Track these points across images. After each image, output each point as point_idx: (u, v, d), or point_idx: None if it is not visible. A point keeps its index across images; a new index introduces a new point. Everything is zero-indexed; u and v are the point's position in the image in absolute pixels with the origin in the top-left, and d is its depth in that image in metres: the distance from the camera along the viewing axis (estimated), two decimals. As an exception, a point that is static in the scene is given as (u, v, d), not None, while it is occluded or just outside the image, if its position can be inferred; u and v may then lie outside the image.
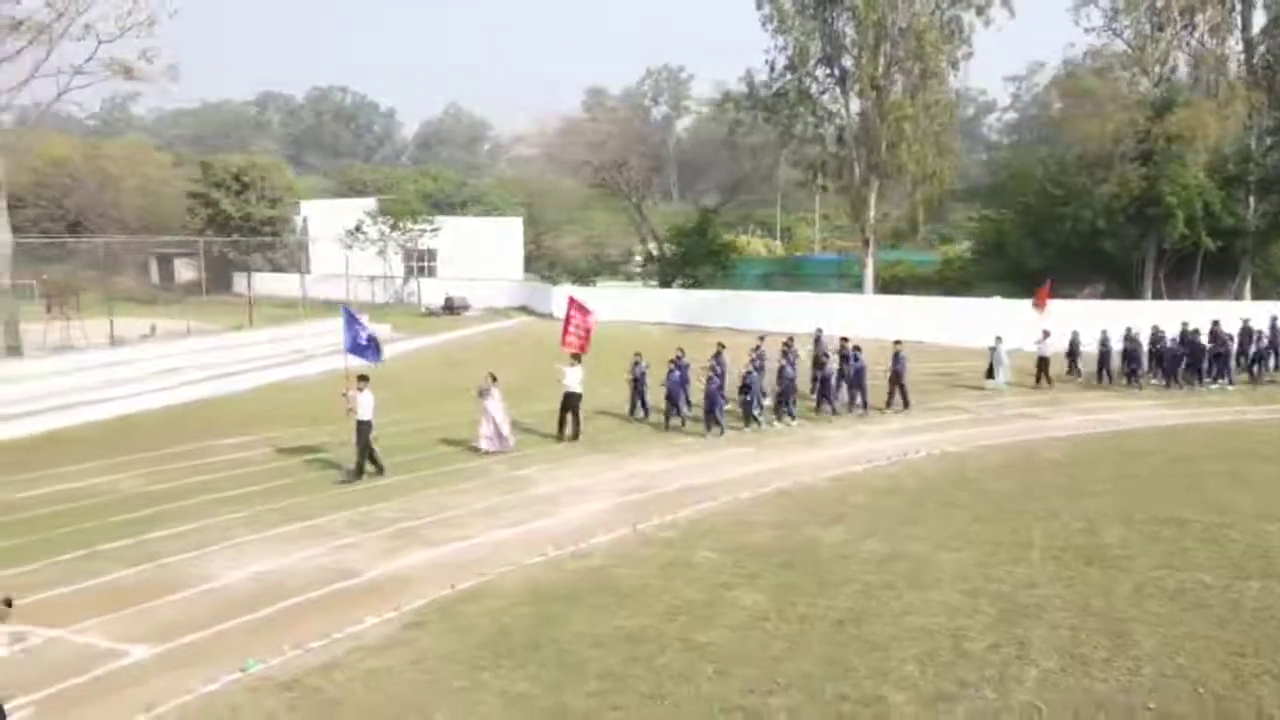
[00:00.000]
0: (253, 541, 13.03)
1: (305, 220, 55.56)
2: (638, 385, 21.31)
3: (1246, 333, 26.52)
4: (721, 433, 19.74)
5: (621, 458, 17.98)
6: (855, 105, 35.69)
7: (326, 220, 52.90)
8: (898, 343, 22.96)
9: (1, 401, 20.87)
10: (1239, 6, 36.09)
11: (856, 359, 22.19)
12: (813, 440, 19.69)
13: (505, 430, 18.23)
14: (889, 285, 42.48)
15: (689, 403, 20.93)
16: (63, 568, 11.99)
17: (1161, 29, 35.65)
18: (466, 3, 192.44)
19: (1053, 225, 37.68)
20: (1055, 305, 28.43)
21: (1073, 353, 26.85)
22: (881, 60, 33.43)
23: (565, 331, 20.65)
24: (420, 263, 53.18)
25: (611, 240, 68.09)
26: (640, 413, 21.27)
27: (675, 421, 20.43)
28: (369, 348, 17.27)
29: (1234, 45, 36.36)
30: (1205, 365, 25.54)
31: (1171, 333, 26.05)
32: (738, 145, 40.17)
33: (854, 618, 10.25)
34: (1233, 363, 25.88)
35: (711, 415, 19.94)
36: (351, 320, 17.44)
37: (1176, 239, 34.45)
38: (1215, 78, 35.30)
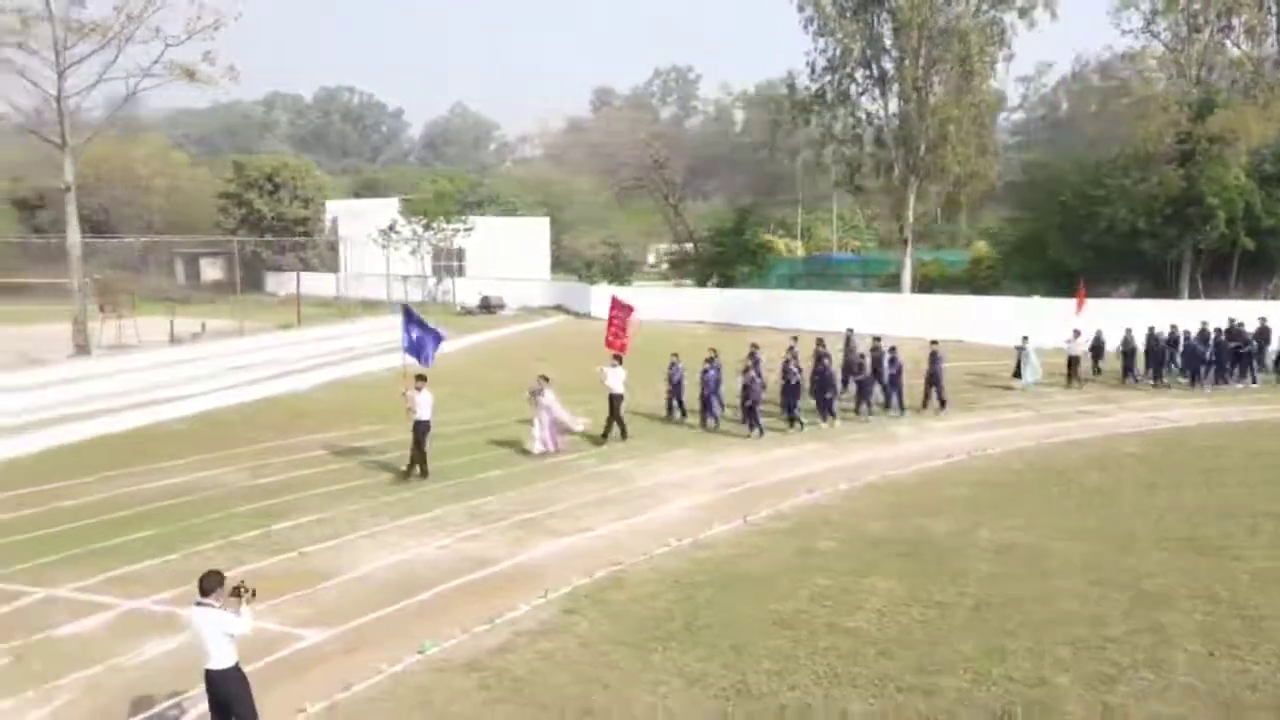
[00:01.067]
0: (380, 532, 13.42)
1: (335, 220, 55.97)
2: (674, 387, 21.15)
3: (1263, 332, 26.68)
4: (761, 434, 19.54)
5: (705, 453, 18.35)
6: (894, 106, 36.09)
7: (352, 220, 53.33)
8: (934, 343, 22.99)
9: (88, 398, 21.31)
10: (1275, 9, 36.44)
11: (893, 359, 22.06)
12: (886, 437, 20.06)
13: (557, 431, 18.19)
14: (919, 285, 42.82)
15: (722, 404, 20.81)
16: (205, 558, 12.30)
17: (1198, 31, 36.00)
18: (472, 3, 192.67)
19: (1088, 225, 38.08)
20: (1091, 304, 28.80)
21: (1096, 352, 26.88)
22: (922, 62, 33.79)
23: (609, 331, 20.57)
24: (448, 262, 53.53)
25: (626, 240, 68.47)
26: (677, 414, 21.12)
27: (710, 423, 20.31)
28: (424, 347, 17.04)
29: (1271, 47, 36.73)
30: (1230, 365, 25.71)
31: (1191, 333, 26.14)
32: (777, 146, 40.58)
33: (989, 604, 10.62)
34: (1255, 361, 26.10)
35: (753, 415, 19.69)
36: (409, 320, 17.14)
37: (1216, 239, 34.83)
38: (1253, 79, 35.65)
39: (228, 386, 24.14)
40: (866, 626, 10.04)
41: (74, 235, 26.29)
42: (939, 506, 14.59)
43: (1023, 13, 32.87)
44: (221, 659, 7.16)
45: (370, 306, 43.03)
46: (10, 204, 62.57)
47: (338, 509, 14.50)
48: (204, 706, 8.44)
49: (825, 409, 20.83)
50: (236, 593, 7.23)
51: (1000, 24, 33.65)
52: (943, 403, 22.34)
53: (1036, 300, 34.69)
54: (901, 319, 32.74)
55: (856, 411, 21.72)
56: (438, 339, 17.31)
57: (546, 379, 18.34)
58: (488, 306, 45.31)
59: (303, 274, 52.49)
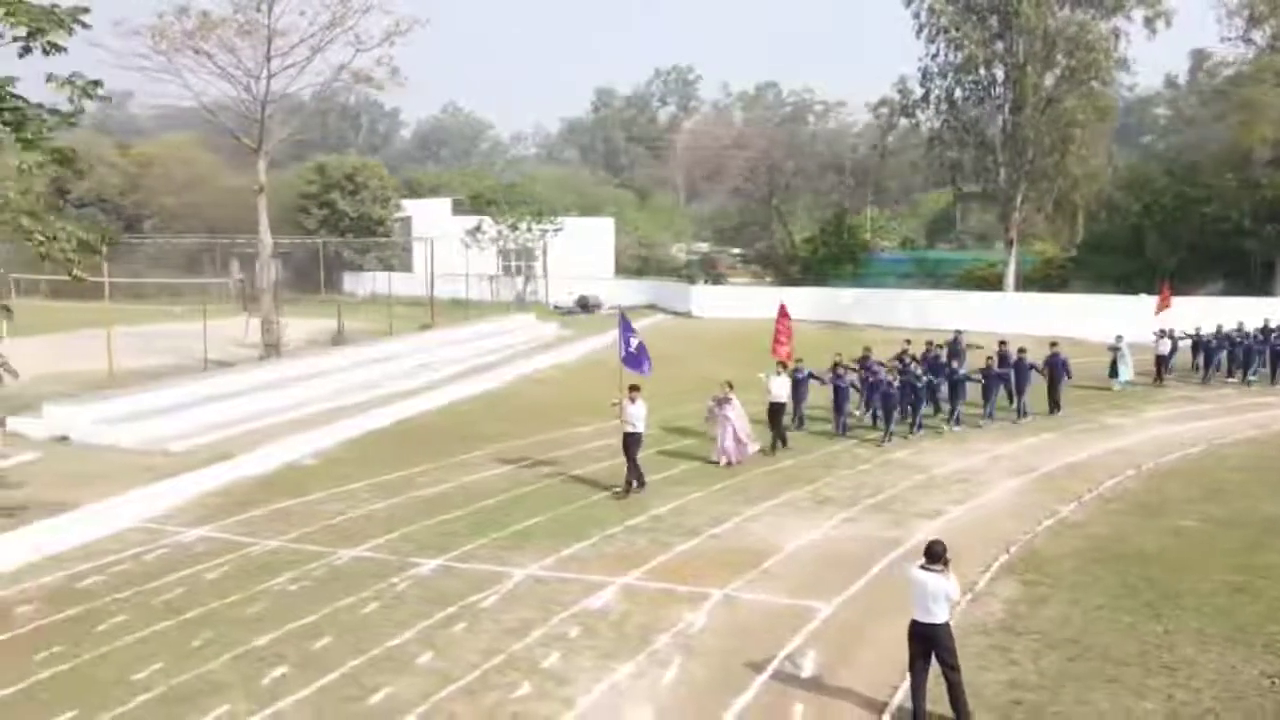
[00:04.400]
0: (755, 515, 14.31)
1: (410, 219, 56.47)
2: (797, 391, 20.01)
3: None
4: (891, 439, 19.03)
5: (959, 443, 19.27)
6: (1005, 110, 37.31)
7: (421, 220, 54.16)
8: (1054, 344, 22.61)
9: (335, 393, 22.00)
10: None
11: (1020, 361, 21.58)
12: (1105, 428, 20.93)
13: (745, 436, 17.66)
14: (981, 284, 44.00)
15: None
16: (625, 542, 13.15)
17: (1290, 38, 37.62)
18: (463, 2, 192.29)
19: (1180, 225, 39.64)
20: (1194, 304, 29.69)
21: (1170, 350, 26.79)
22: (1041, 67, 35.06)
23: (776, 340, 20.00)
24: (519, 262, 54.15)
25: (650, 239, 69.16)
26: (796, 421, 20.04)
27: (841, 429, 19.83)
28: (641, 358, 16.21)
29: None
30: None
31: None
32: (888, 150, 41.83)
33: None
34: None
35: (888, 421, 19.27)
36: (627, 329, 16.43)
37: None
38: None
39: (434, 384, 24.77)
40: (1321, 593, 11.06)
41: (265, 236, 26.83)
42: (1246, 490, 15.61)
43: (1148, 21, 34.27)
44: (940, 615, 8.10)
45: (460, 306, 43.55)
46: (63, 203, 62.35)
47: (683, 497, 15.30)
48: (809, 659, 9.43)
49: (952, 413, 20.51)
50: (945, 562, 8.13)
51: (1117, 31, 35.05)
52: (1058, 405, 21.88)
53: (1144, 298, 35.96)
54: (1006, 317, 33.61)
55: (990, 416, 21.04)
56: (646, 356, 16.34)
57: (731, 386, 17.73)
58: (585, 306, 46.04)
59: (384, 274, 53.24)
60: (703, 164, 52.51)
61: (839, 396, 20.04)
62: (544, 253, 51.13)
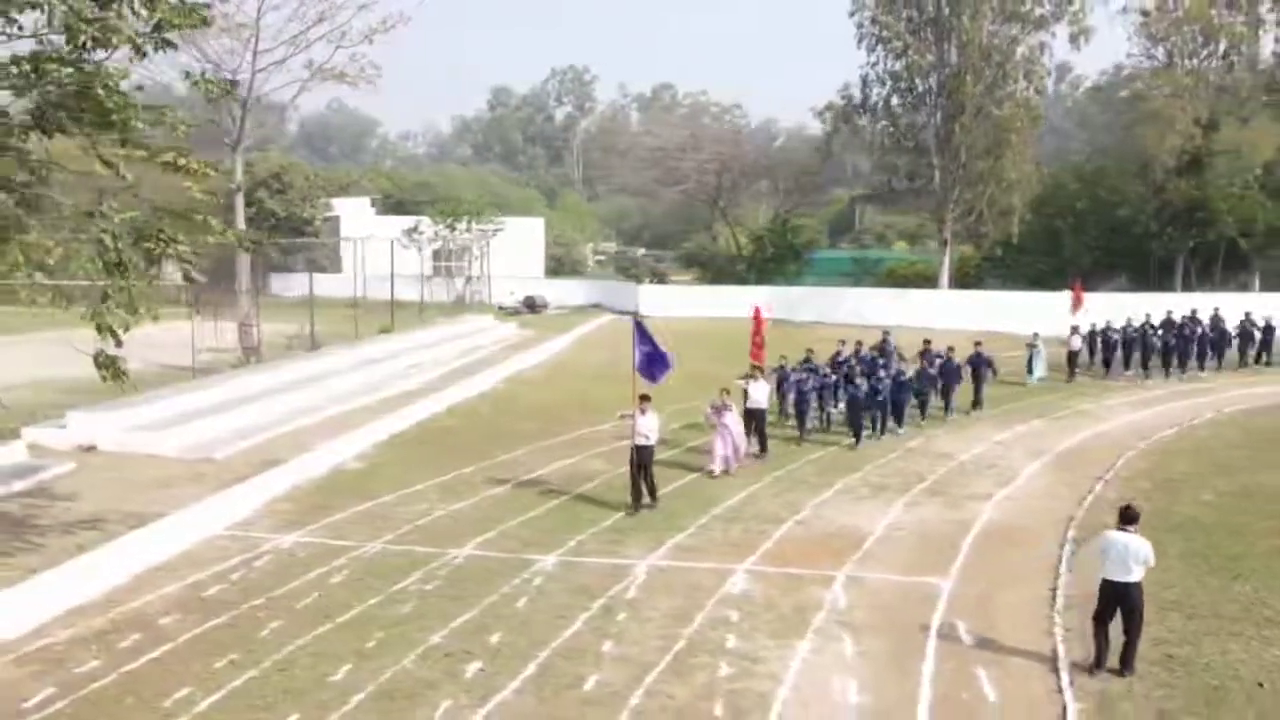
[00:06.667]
0: (825, 502, 15.10)
1: (339, 219, 55.04)
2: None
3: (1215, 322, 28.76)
4: (857, 444, 18.89)
5: (961, 430, 20.54)
6: (938, 118, 39.36)
7: (348, 220, 53.15)
8: (978, 343, 23.30)
9: (338, 396, 21.56)
10: (1246, 35, 41.53)
11: (948, 361, 21.97)
12: (1082, 415, 22.53)
13: (742, 444, 17.36)
14: (900, 282, 46.37)
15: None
16: (719, 531, 13.69)
17: (1194, 56, 40.98)
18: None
19: (1092, 227, 42.84)
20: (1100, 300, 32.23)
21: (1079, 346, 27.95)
22: (975, 77, 37.15)
23: (755, 344, 19.95)
24: (454, 262, 53.52)
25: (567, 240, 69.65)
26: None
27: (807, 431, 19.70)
28: (653, 365, 14.88)
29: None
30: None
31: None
32: (831, 154, 43.42)
33: None
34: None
35: (858, 423, 19.12)
36: (643, 334, 14.99)
37: (1214, 238, 39.85)
38: (1245, 97, 40.90)
39: (432, 386, 24.44)
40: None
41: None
42: (1244, 464, 17.24)
43: (1073, 38, 36.86)
44: (1137, 574, 9.01)
45: (400, 308, 42.75)
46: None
47: (745, 489, 15.89)
48: (961, 628, 10.17)
49: (900, 414, 20.29)
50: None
51: (1043, 46, 37.59)
52: (977, 403, 22.35)
53: (1066, 294, 38.58)
54: (943, 314, 35.43)
55: (922, 415, 21.16)
56: (665, 362, 14.87)
57: (729, 393, 17.58)
58: (533, 306, 45.96)
59: (319, 275, 51.65)
60: (655, 165, 52.92)
61: (801, 403, 19.83)
62: (485, 253, 50.73)
